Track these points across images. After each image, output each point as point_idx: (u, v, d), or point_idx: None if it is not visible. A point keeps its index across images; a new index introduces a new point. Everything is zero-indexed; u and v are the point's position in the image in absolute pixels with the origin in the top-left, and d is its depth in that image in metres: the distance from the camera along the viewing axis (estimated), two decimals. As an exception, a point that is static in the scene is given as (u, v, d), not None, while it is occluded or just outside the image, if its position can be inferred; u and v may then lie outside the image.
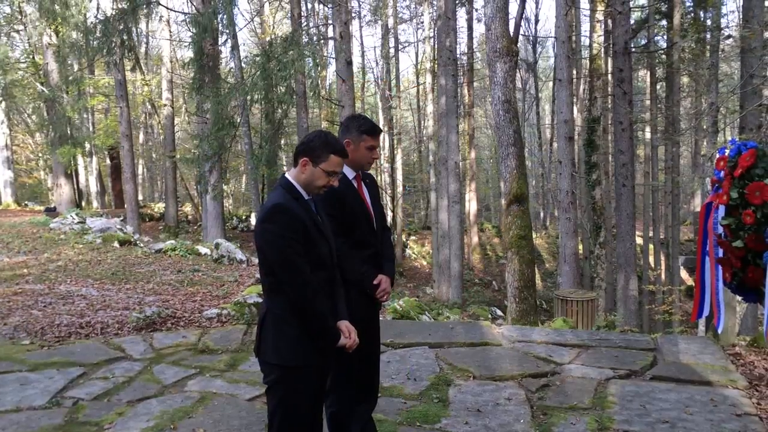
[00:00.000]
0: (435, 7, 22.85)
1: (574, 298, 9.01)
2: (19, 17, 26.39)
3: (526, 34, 29.86)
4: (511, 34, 10.08)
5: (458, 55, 21.57)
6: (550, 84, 35.34)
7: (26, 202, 30.15)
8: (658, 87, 22.47)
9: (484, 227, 31.76)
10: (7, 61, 24.51)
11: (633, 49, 17.21)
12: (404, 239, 28.31)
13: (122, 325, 6.64)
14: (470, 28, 27.89)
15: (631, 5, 16.11)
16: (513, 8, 11.42)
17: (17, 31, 28.02)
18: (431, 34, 25.62)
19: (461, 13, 26.45)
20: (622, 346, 5.56)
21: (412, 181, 36.82)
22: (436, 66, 22.88)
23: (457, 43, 19.70)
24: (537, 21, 35.59)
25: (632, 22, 17.60)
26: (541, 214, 36.15)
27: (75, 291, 8.78)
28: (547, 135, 33.73)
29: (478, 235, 28.48)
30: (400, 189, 28.03)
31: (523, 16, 13.58)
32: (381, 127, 3.45)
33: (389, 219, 26.24)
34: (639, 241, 20.68)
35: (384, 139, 27.64)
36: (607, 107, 19.13)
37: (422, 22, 30.17)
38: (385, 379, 4.82)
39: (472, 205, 27.38)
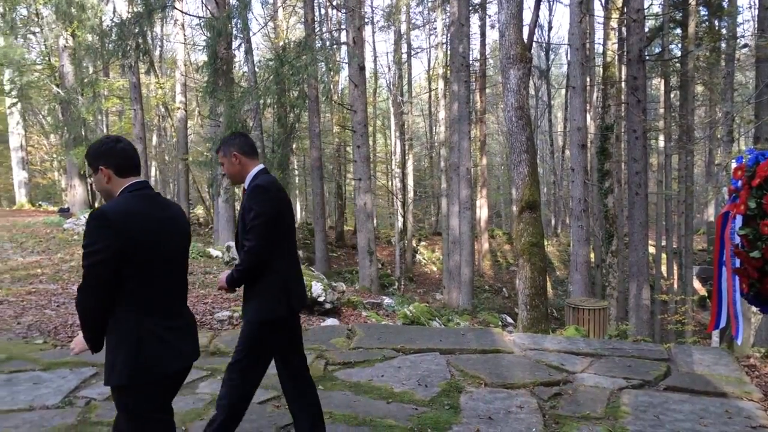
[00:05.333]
0: (448, 14, 22.89)
1: (585, 306, 8.96)
2: (36, 19, 26.65)
3: (539, 41, 29.83)
4: (525, 40, 10.07)
5: (471, 62, 21.56)
6: (563, 91, 35.25)
7: (40, 203, 30.42)
8: (672, 95, 22.36)
9: (495, 234, 31.68)
10: (24, 63, 24.72)
11: (647, 57, 17.14)
12: (414, 245, 28.29)
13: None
14: (483, 35, 27.90)
15: (645, 13, 16.03)
16: (527, 15, 11.42)
17: (34, 33, 28.27)
18: (444, 40, 25.67)
19: (474, 20, 26.49)
20: (635, 356, 5.52)
21: (423, 186, 36.81)
22: (448, 72, 22.89)
23: (470, 49, 19.67)
24: (550, 28, 35.58)
25: (647, 30, 17.52)
26: (553, 222, 36.00)
27: (87, 291, 8.83)
28: (559, 142, 33.62)
29: (488, 241, 28.42)
30: (411, 194, 28.01)
31: (537, 23, 13.54)
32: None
33: (400, 224, 26.24)
34: (651, 250, 20.53)
35: (395, 145, 27.69)
36: (620, 115, 19.05)
37: (435, 28, 30.21)
38: (396, 384, 4.82)
39: (483, 212, 27.33)
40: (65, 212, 20.96)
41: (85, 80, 23.29)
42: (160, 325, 2.52)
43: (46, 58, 27.28)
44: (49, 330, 6.47)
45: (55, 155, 36.88)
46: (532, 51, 11.93)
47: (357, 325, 6.90)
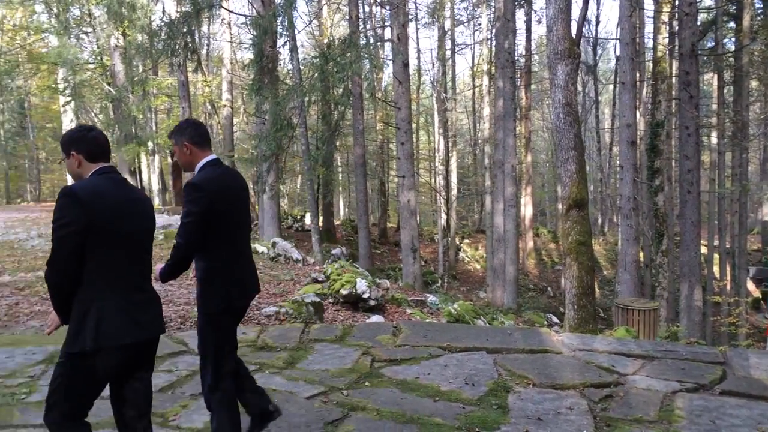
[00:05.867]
0: (493, 9, 22.64)
1: (635, 307, 8.75)
2: (88, 20, 27.41)
3: (587, 35, 29.25)
4: (573, 35, 9.89)
5: (516, 58, 21.30)
6: (610, 87, 34.55)
7: (93, 198, 31.27)
8: (725, 91, 21.68)
9: (540, 232, 31.28)
10: (77, 62, 25.46)
11: (700, 52, 16.65)
12: (458, 242, 28.13)
13: (184, 320, 6.81)
14: (528, 30, 27.55)
15: (698, 6, 15.58)
16: (575, 10, 11.21)
17: (86, 33, 29.09)
18: (488, 36, 25.41)
19: (519, 15, 26.13)
20: (689, 359, 5.36)
21: (466, 184, 36.58)
22: (493, 68, 22.66)
23: (515, 45, 19.43)
24: (598, 22, 34.89)
25: (699, 23, 17.03)
26: (599, 220, 35.34)
27: (138, 285, 9.04)
28: (606, 139, 32.96)
29: (533, 239, 28.07)
30: (454, 192, 27.85)
31: (586, 17, 13.30)
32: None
33: (443, 222, 26.13)
34: (703, 250, 19.98)
35: (439, 142, 27.56)
36: (671, 111, 18.56)
37: (479, 24, 29.98)
38: (443, 382, 4.80)
39: (527, 210, 27.00)
40: (116, 208, 21.48)
41: (136, 79, 23.84)
42: (123, 298, 2.68)
43: (98, 58, 28.04)
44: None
45: (107, 152, 37.84)
46: (580, 46, 11.69)
47: (402, 323, 6.89)
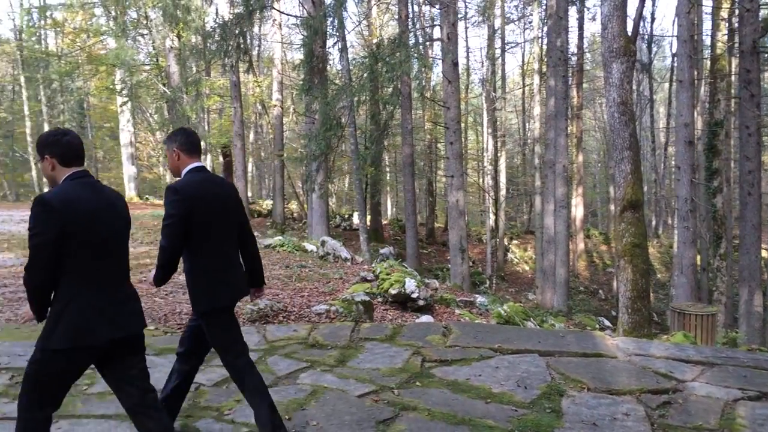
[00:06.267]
0: (544, 6, 22.32)
1: (692, 311, 8.49)
2: (145, 22, 28.17)
3: (642, 33, 28.53)
4: (629, 33, 9.66)
5: (568, 55, 20.93)
6: (666, 85, 33.67)
7: (147, 196, 32.18)
8: (789, 89, 20.83)
9: (591, 234, 30.69)
10: (134, 64, 26.21)
11: (761, 49, 16.05)
12: (506, 243, 27.84)
13: (237, 316, 6.92)
14: (580, 27, 27.03)
15: (759, 2, 15.02)
16: (630, 7, 10.95)
17: (142, 35, 29.90)
18: (540, 34, 25.06)
19: (571, 12, 25.68)
20: (751, 366, 5.18)
21: (515, 184, 36.17)
22: (544, 66, 22.34)
23: (567, 42, 19.09)
24: (653, 19, 33.92)
25: (760, 19, 16.41)
26: (653, 222, 34.44)
27: (193, 281, 9.24)
28: (661, 139, 32.10)
29: (584, 241, 27.56)
30: (503, 192, 27.57)
31: (642, 14, 12.96)
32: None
33: (491, 222, 25.90)
34: (764, 253, 19.26)
35: (487, 141, 27.32)
36: (730, 110, 17.95)
37: (531, 22, 29.58)
38: (495, 384, 4.75)
39: (578, 211, 26.52)
40: (170, 205, 21.96)
41: (189, 79, 24.36)
42: (98, 298, 2.79)
43: (154, 59, 28.80)
44: (160, 317, 6.82)
45: (160, 151, 38.94)
46: (635, 44, 11.40)
47: (452, 323, 6.85)
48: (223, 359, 3.54)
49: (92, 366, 4.90)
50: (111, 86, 29.73)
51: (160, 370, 4.90)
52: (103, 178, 43.15)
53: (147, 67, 28.49)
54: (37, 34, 31.96)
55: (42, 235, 2.66)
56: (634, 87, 31.06)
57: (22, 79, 32.15)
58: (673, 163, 14.35)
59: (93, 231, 2.77)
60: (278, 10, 22.58)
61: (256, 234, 15.85)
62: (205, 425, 3.89)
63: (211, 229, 3.41)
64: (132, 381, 3.00)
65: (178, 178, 3.52)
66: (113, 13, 28.05)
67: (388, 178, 35.85)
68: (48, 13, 28.91)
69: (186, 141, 3.49)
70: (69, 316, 2.71)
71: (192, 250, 3.37)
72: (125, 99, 27.78)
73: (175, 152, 3.48)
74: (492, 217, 26.12)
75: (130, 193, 29.79)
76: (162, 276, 3.37)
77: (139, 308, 3.07)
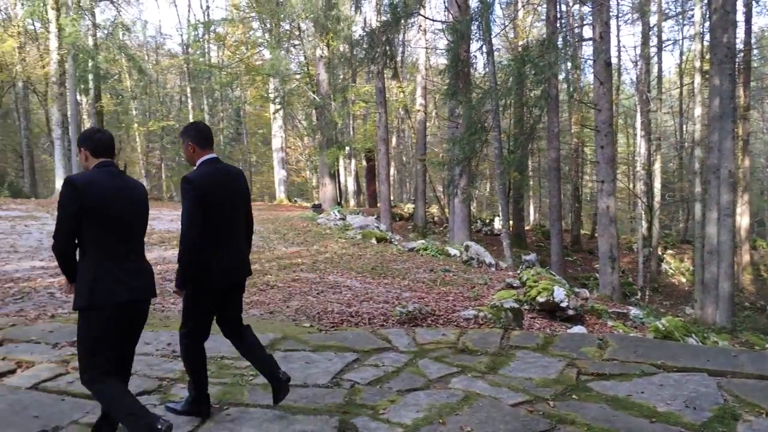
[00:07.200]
0: (705, 1, 20.70)
1: None
2: (297, 33, 29.70)
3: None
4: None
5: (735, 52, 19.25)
6: None
7: (295, 199, 33.82)
8: None
9: (758, 245, 28.03)
10: (287, 73, 27.70)
11: None
12: (659, 253, 26.15)
13: (387, 318, 7.05)
14: (747, 22, 24.81)
15: None
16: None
17: (294, 46, 31.57)
18: (701, 30, 23.30)
19: (738, 6, 23.63)
20: None
21: (670, 190, 33.88)
22: (706, 65, 20.71)
23: (735, 39, 17.56)
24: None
25: None
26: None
27: (341, 282, 9.56)
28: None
29: (749, 253, 25.22)
30: (657, 198, 25.91)
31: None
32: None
33: (644, 230, 24.45)
34: None
35: (640, 145, 25.85)
36: None
37: (691, 18, 27.59)
38: (659, 403, 4.44)
39: (743, 220, 24.32)
40: (318, 208, 22.98)
41: (338, 86, 25.30)
42: (115, 266, 3.25)
43: (305, 68, 30.23)
44: (313, 315, 7.10)
45: (308, 155, 40.81)
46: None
47: (608, 336, 6.52)
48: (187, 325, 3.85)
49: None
50: (265, 95, 31.61)
51: (317, 366, 5.10)
52: (255, 182, 45.95)
53: (298, 76, 29.97)
54: (202, 47, 34.69)
55: (65, 208, 3.18)
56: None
57: (188, 90, 35.00)
58: None
59: (109, 209, 3.23)
60: (424, 16, 22.81)
61: (398, 237, 16.17)
62: (361, 423, 3.97)
63: (221, 213, 3.73)
64: (131, 345, 3.51)
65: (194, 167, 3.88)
66: (269, 26, 29.83)
67: (530, 183, 35.02)
68: (212, 28, 31.26)
69: (198, 135, 3.83)
70: (89, 280, 3.20)
71: (205, 235, 3.69)
72: (278, 106, 29.37)
73: (190, 145, 3.82)
74: (644, 224, 24.65)
75: (280, 195, 31.43)
76: (181, 269, 3.70)
77: (151, 280, 3.50)
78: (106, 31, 28.34)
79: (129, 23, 30.20)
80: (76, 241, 3.26)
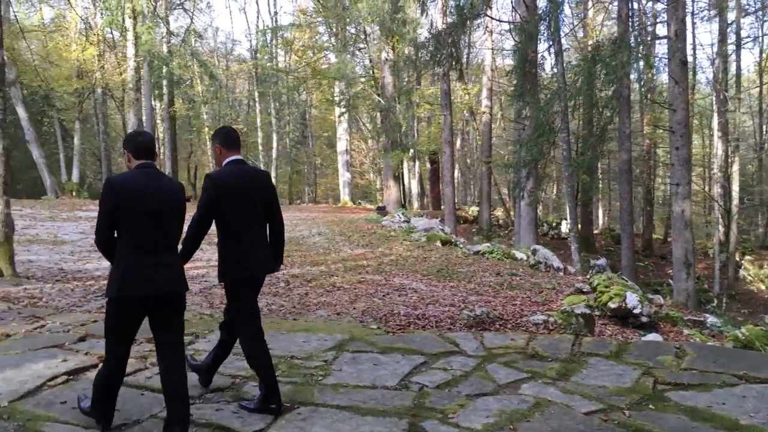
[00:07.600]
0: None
1: None
2: (363, 37, 29.95)
3: None
4: None
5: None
6: None
7: (359, 201, 34.05)
8: None
9: None
10: (352, 76, 27.94)
11: None
12: (737, 258, 24.97)
13: (454, 321, 7.00)
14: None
15: None
16: None
17: (359, 49, 31.83)
18: (785, 25, 22.16)
19: (826, -2, 22.35)
20: None
21: (749, 193, 32.33)
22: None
23: (822, 32, 16.62)
24: None
25: None
26: None
27: (407, 284, 9.56)
28: None
29: (835, 260, 23.80)
30: (735, 202, 24.76)
31: None
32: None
33: (721, 235, 23.45)
34: None
35: (717, 146, 24.80)
36: None
37: (773, 12, 26.28)
38: (742, 416, 4.24)
39: (830, 225, 22.97)
40: (382, 210, 23.07)
41: (403, 89, 25.36)
42: (143, 260, 3.44)
43: (370, 71, 30.46)
44: (380, 317, 7.12)
45: (372, 158, 41.06)
46: None
47: (686, 345, 6.27)
48: (236, 328, 4.13)
49: (324, 358, 5.26)
50: (330, 98, 32.01)
51: (385, 368, 5.10)
52: (320, 184, 46.57)
53: (363, 79, 30.18)
54: (270, 52, 35.45)
55: (103, 206, 3.46)
56: None
57: (256, 94, 35.83)
58: None
59: (141, 208, 3.43)
60: (491, 17, 22.61)
61: (463, 240, 16.04)
62: (431, 426, 3.94)
63: (240, 210, 3.96)
64: (169, 332, 3.67)
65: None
66: (335, 30, 30.21)
67: (600, 185, 34.09)
68: (279, 33, 31.89)
69: (225, 138, 4.09)
70: (119, 272, 3.42)
71: (222, 227, 3.97)
72: (343, 110, 29.64)
73: (217, 147, 4.09)
74: (721, 229, 23.61)
75: (344, 197, 31.68)
76: (184, 250, 3.95)
77: (179, 273, 3.65)
78: (179, 38, 29.37)
79: (201, 30, 31.28)
80: (116, 236, 3.53)
